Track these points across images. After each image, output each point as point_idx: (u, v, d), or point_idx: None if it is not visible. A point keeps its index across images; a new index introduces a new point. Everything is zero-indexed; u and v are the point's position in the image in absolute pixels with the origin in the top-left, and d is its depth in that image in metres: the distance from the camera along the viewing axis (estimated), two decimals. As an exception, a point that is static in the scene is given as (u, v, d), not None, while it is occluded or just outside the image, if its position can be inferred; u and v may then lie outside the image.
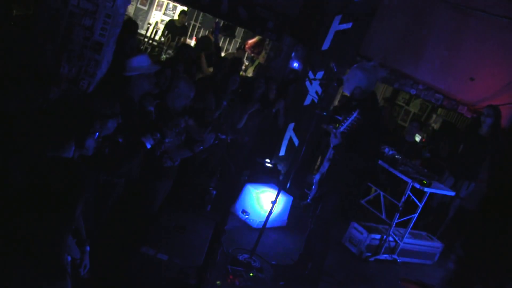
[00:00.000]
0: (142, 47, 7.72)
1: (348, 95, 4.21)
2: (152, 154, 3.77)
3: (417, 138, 7.32)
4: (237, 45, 10.76)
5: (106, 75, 4.73)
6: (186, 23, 9.65)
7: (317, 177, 4.36)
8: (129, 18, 6.66)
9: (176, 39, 8.67)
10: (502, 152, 6.35)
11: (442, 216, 6.72)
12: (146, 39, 8.19)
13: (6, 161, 2.40)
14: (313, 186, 4.37)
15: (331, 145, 4.06)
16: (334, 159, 4.19)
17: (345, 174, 4.13)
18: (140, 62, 3.69)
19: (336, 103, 7.90)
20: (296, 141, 6.70)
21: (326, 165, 4.28)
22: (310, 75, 6.56)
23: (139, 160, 3.62)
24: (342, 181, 4.15)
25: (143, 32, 8.75)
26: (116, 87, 3.82)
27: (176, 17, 9.74)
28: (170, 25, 9.01)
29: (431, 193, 5.90)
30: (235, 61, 6.65)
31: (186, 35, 9.47)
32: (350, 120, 3.86)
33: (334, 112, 4.55)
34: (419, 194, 5.75)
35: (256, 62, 8.42)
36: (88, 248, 2.97)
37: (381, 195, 6.09)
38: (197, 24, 10.92)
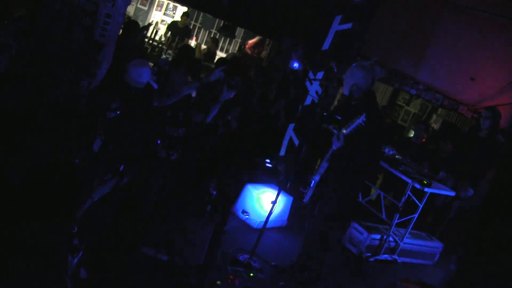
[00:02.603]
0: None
1: (346, 94, 4.19)
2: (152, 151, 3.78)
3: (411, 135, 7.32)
4: (237, 45, 10.76)
5: (107, 76, 4.72)
6: (190, 25, 9.67)
7: (316, 178, 4.34)
8: (130, 18, 6.66)
9: (176, 39, 8.67)
10: (504, 153, 6.33)
11: (442, 217, 6.71)
12: (146, 39, 8.20)
13: (6, 161, 2.40)
14: (311, 186, 4.35)
15: (334, 148, 4.02)
16: (333, 160, 4.18)
17: (344, 175, 4.12)
18: (138, 77, 3.55)
19: (336, 103, 7.89)
20: (296, 141, 6.69)
21: (324, 165, 4.27)
22: (310, 75, 6.56)
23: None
24: (340, 182, 4.14)
25: (143, 32, 8.76)
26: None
27: (178, 18, 9.75)
28: (173, 26, 9.01)
29: (433, 194, 5.88)
30: (235, 61, 6.63)
31: (189, 37, 9.48)
32: (356, 123, 3.80)
33: (334, 112, 4.54)
34: (420, 194, 5.74)
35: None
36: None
37: (381, 195, 6.08)
38: (197, 25, 10.92)
